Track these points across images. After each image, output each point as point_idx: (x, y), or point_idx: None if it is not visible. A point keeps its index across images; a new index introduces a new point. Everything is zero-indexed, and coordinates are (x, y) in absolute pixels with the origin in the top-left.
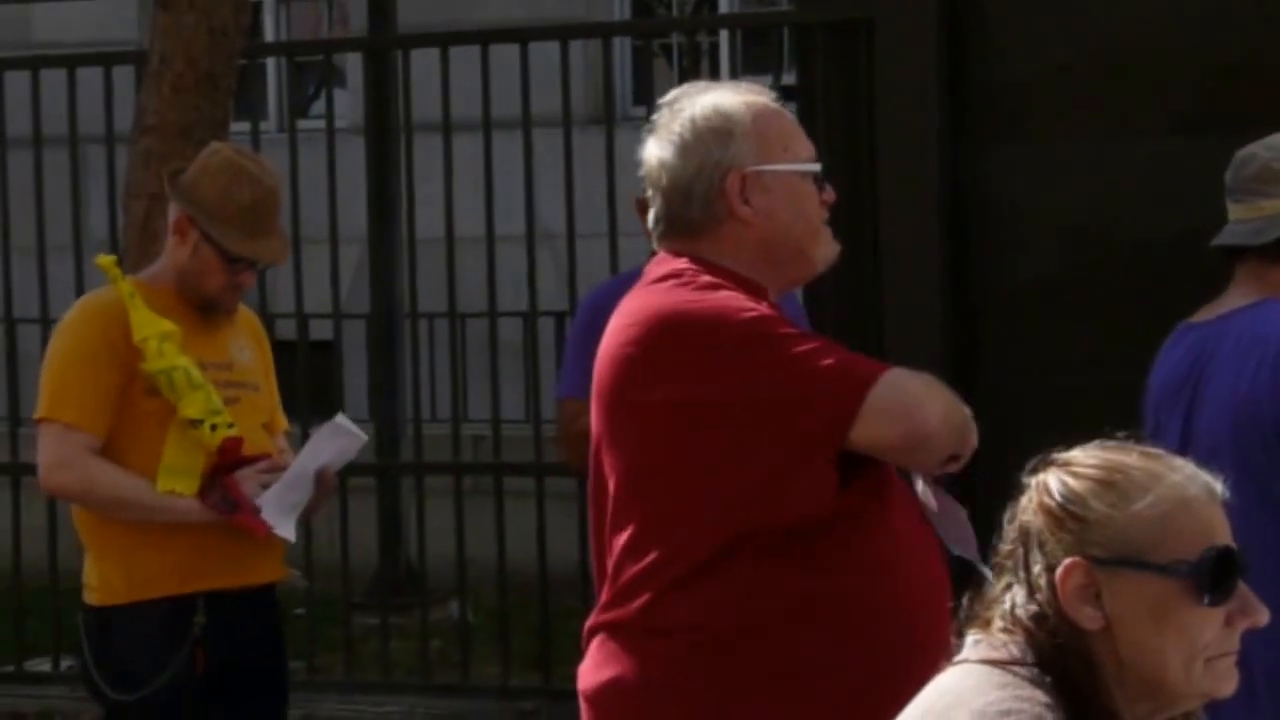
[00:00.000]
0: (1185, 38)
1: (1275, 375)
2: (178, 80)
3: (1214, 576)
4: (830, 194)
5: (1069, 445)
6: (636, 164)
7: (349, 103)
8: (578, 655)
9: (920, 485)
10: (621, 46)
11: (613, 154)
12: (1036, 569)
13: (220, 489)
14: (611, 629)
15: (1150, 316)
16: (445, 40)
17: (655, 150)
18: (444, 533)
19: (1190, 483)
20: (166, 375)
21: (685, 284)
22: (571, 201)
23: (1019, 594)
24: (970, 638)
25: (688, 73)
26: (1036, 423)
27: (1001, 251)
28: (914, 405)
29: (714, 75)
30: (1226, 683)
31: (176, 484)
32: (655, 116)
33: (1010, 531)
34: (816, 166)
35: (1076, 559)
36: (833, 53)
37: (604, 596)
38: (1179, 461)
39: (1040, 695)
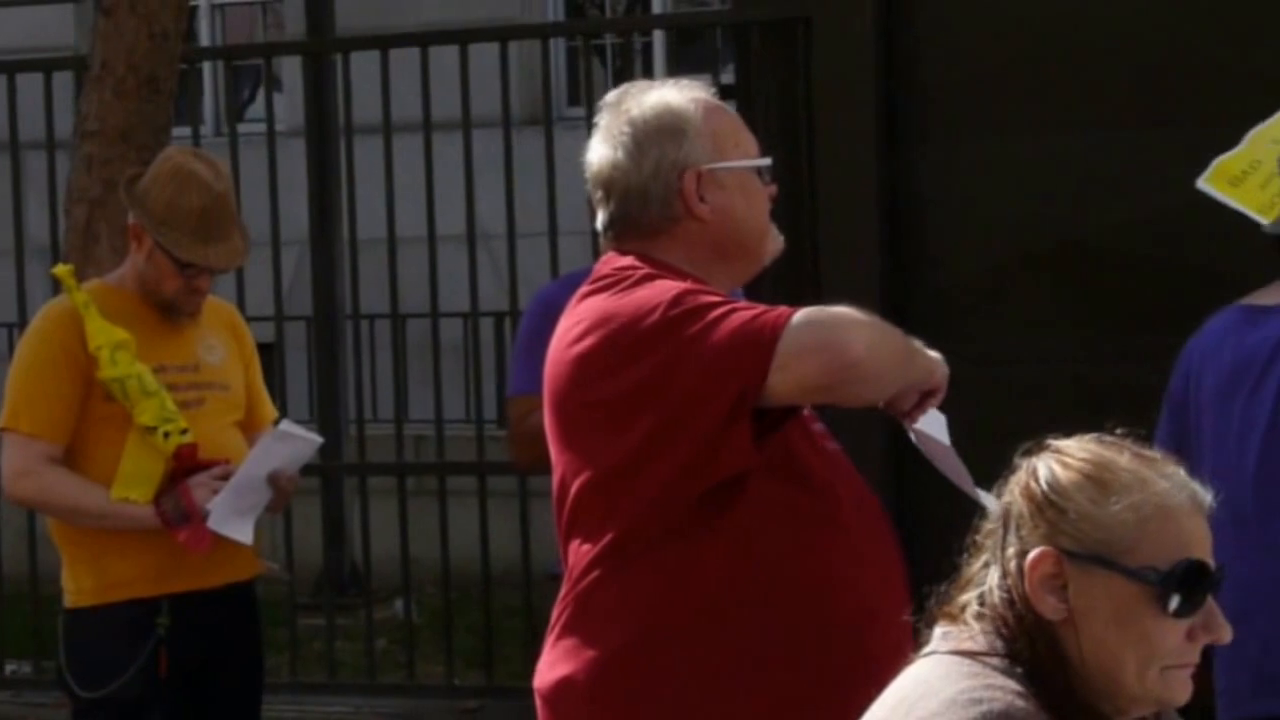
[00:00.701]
0: (1116, 35)
1: None
2: (119, 85)
3: (1183, 588)
4: (773, 188)
5: (1068, 432)
6: (577, 164)
7: (285, 105)
8: (520, 652)
9: (912, 435)
10: (555, 47)
11: (552, 154)
12: (1010, 551)
13: (175, 495)
14: (564, 626)
15: (1085, 312)
16: (385, 43)
17: (603, 152)
18: (386, 533)
19: (1178, 491)
20: (119, 384)
21: (627, 281)
22: (512, 202)
23: (994, 575)
24: (939, 630)
25: (621, 73)
26: (974, 417)
27: (938, 248)
28: (829, 335)
29: (648, 75)
30: (1181, 693)
31: (131, 491)
32: (598, 118)
33: (996, 510)
34: (766, 161)
35: (1047, 549)
36: (770, 52)
37: (560, 593)
38: (1170, 468)
39: (1011, 684)
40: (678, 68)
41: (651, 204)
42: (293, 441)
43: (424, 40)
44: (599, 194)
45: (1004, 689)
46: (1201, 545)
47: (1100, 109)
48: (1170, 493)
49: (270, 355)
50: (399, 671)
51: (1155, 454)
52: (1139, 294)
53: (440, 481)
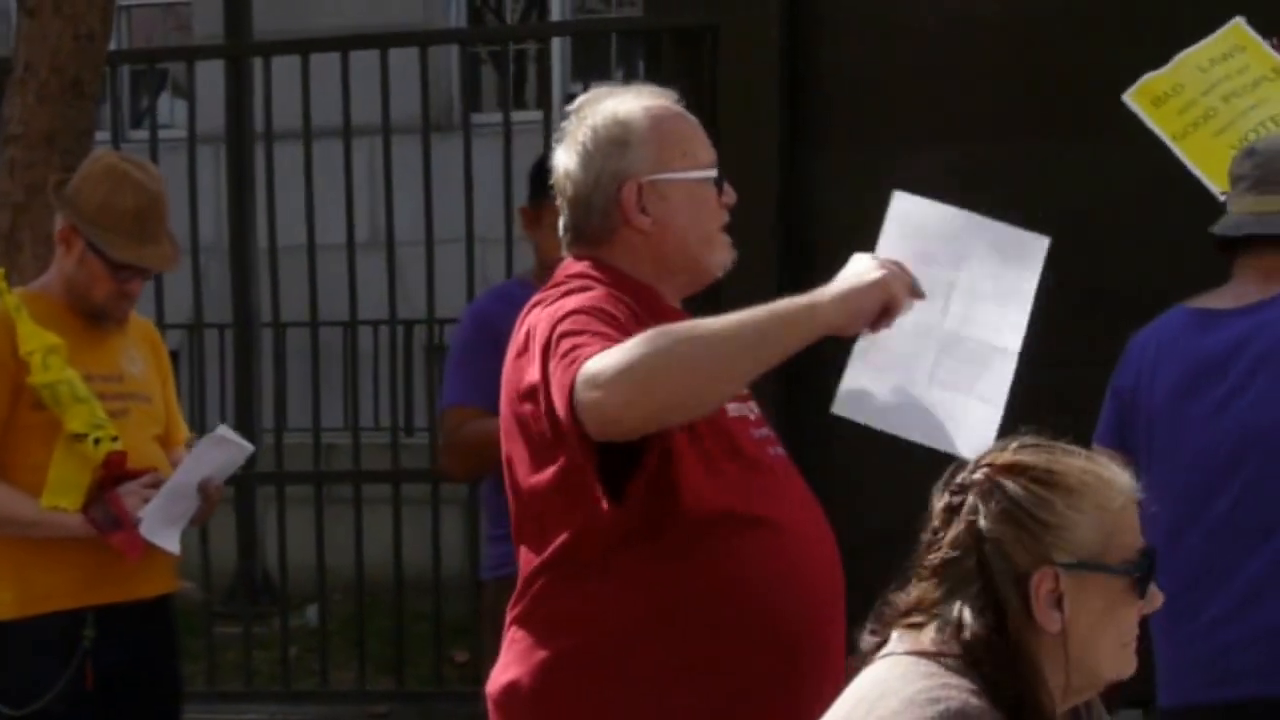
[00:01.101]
0: (1013, 49)
1: None
2: (43, 88)
3: (1147, 574)
4: (730, 195)
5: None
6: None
7: (186, 112)
8: (431, 657)
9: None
10: (448, 54)
11: (470, 161)
12: (1002, 578)
13: (104, 504)
14: (515, 630)
15: None
16: (305, 47)
17: (561, 158)
18: (297, 541)
19: (1128, 485)
20: (51, 389)
21: (566, 290)
22: (430, 209)
23: (969, 606)
24: (895, 633)
25: (520, 80)
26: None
27: (835, 255)
28: (602, 397)
29: (544, 81)
30: (1132, 665)
31: (61, 499)
32: (564, 124)
33: (953, 538)
34: (712, 172)
35: (1048, 568)
36: (677, 59)
37: (512, 597)
38: (1110, 462)
39: (966, 683)
40: (574, 74)
41: (594, 214)
42: (228, 448)
43: (344, 45)
44: (559, 200)
45: (959, 688)
46: (1140, 528)
47: (996, 121)
48: (1126, 487)
49: (187, 363)
50: (312, 678)
51: (1094, 451)
52: (1035, 302)
53: (356, 489)
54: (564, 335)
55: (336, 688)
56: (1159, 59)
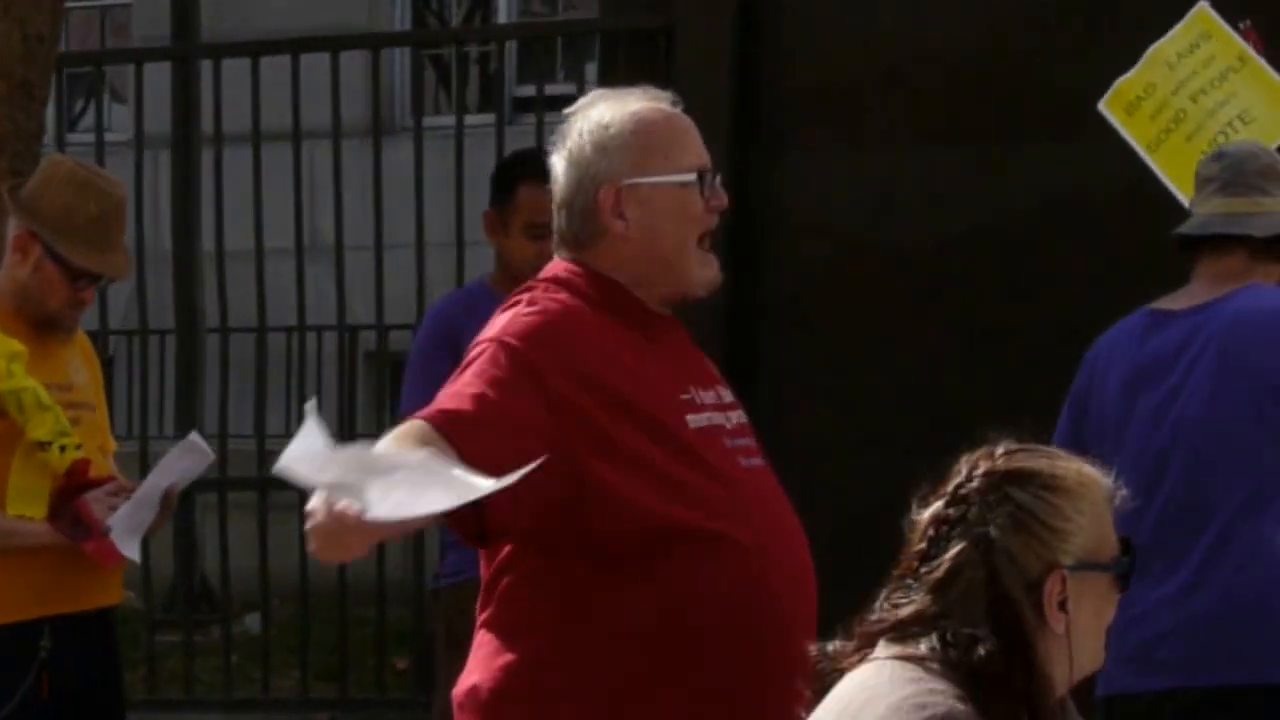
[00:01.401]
0: (958, 56)
1: None
2: None
3: (1130, 567)
4: (720, 199)
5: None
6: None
7: (124, 116)
8: (373, 665)
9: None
10: (401, 56)
11: (421, 164)
12: (1015, 587)
13: (71, 512)
14: (480, 635)
15: (923, 321)
16: (256, 49)
17: (554, 162)
18: (236, 548)
19: (1109, 482)
20: (15, 396)
21: (533, 298)
22: (380, 212)
23: (981, 619)
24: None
25: (464, 82)
26: (813, 421)
27: (783, 255)
28: None
29: (490, 83)
30: (1103, 658)
31: (26, 508)
32: (561, 126)
33: (958, 552)
34: (690, 177)
35: (1058, 571)
36: (632, 60)
37: (479, 602)
38: (1088, 462)
39: (952, 688)
40: (530, 75)
41: (574, 217)
42: (195, 455)
43: (296, 47)
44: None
45: (945, 693)
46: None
47: (947, 125)
48: (1106, 484)
49: (125, 368)
50: (253, 686)
51: (1069, 453)
52: (975, 304)
53: (301, 496)
54: (466, 365)
55: (278, 695)
56: (1108, 65)
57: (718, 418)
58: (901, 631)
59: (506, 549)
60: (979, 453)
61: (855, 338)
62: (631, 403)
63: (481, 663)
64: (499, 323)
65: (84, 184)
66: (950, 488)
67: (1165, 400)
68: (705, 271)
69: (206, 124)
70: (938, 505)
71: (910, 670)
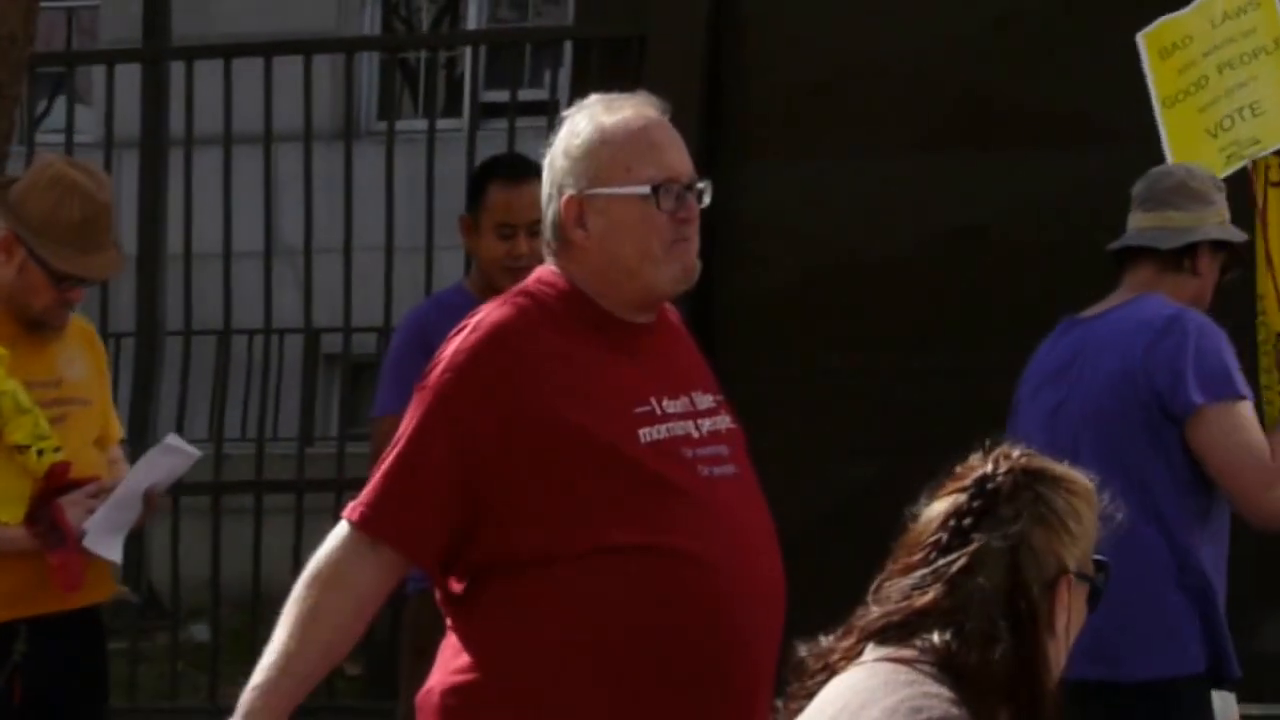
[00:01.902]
0: (919, 69)
1: (1152, 353)
2: None
3: (1104, 585)
4: (688, 210)
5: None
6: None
7: (91, 117)
8: None
9: None
10: (370, 61)
11: (391, 169)
12: (1035, 585)
13: (47, 516)
14: (448, 636)
15: (885, 328)
16: (228, 52)
17: (544, 166)
18: (186, 556)
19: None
20: None
21: (479, 322)
22: (350, 217)
23: (995, 615)
24: (871, 641)
25: (431, 88)
26: (781, 428)
27: (749, 263)
28: None
29: (457, 89)
30: None
31: (3, 513)
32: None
33: (981, 545)
34: (644, 189)
35: (1068, 575)
36: (604, 68)
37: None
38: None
39: (946, 691)
40: (497, 81)
41: (548, 224)
42: (176, 455)
43: (268, 50)
44: None
45: (940, 697)
46: None
47: (907, 136)
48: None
49: None
50: (199, 694)
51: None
52: (938, 311)
53: (257, 500)
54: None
55: (225, 703)
56: (1072, 74)
57: (681, 427)
58: (901, 629)
59: (462, 560)
60: (999, 450)
61: (818, 343)
62: (565, 422)
63: (441, 665)
64: (445, 348)
65: (70, 187)
66: (971, 481)
67: (1058, 403)
68: (671, 269)
69: (175, 126)
70: (959, 498)
71: (904, 673)
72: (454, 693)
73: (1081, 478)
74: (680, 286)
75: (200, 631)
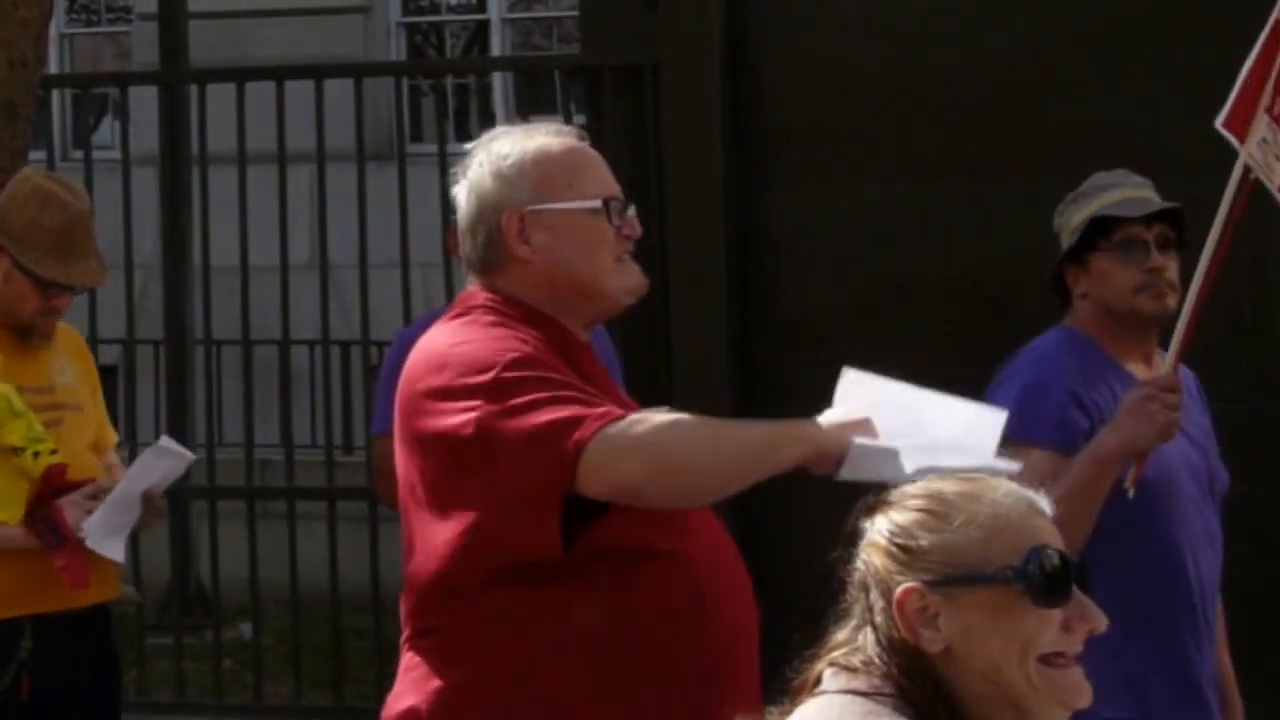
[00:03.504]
0: (950, 90)
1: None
2: None
3: (1040, 578)
4: (632, 227)
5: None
6: (425, 198)
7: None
8: (367, 674)
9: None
10: (389, 86)
11: (405, 188)
12: (878, 606)
13: (45, 517)
14: (410, 657)
15: (920, 356)
16: (241, 75)
17: (457, 192)
18: (232, 555)
19: (1007, 498)
20: None
21: (470, 322)
22: (364, 233)
23: (868, 634)
24: (828, 670)
25: (461, 113)
26: None
27: (782, 291)
28: (648, 444)
29: (489, 115)
30: (1075, 693)
31: (2, 513)
32: (465, 158)
33: (851, 577)
34: (595, 203)
35: (910, 585)
36: (619, 96)
37: (404, 625)
38: (999, 483)
39: None
40: (523, 108)
41: (478, 244)
42: (170, 457)
43: (280, 74)
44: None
45: None
46: (1049, 538)
47: (934, 159)
48: (1003, 502)
49: (117, 378)
50: (245, 692)
51: (980, 476)
52: (970, 339)
53: (289, 505)
54: (520, 382)
55: (271, 702)
56: (1105, 101)
57: None
58: (834, 652)
59: (436, 570)
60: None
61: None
62: None
63: (413, 685)
64: (471, 348)
65: (48, 198)
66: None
67: None
68: (625, 280)
69: (216, 145)
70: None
71: (861, 703)
72: (447, 707)
73: (940, 490)
74: (632, 298)
75: (248, 630)
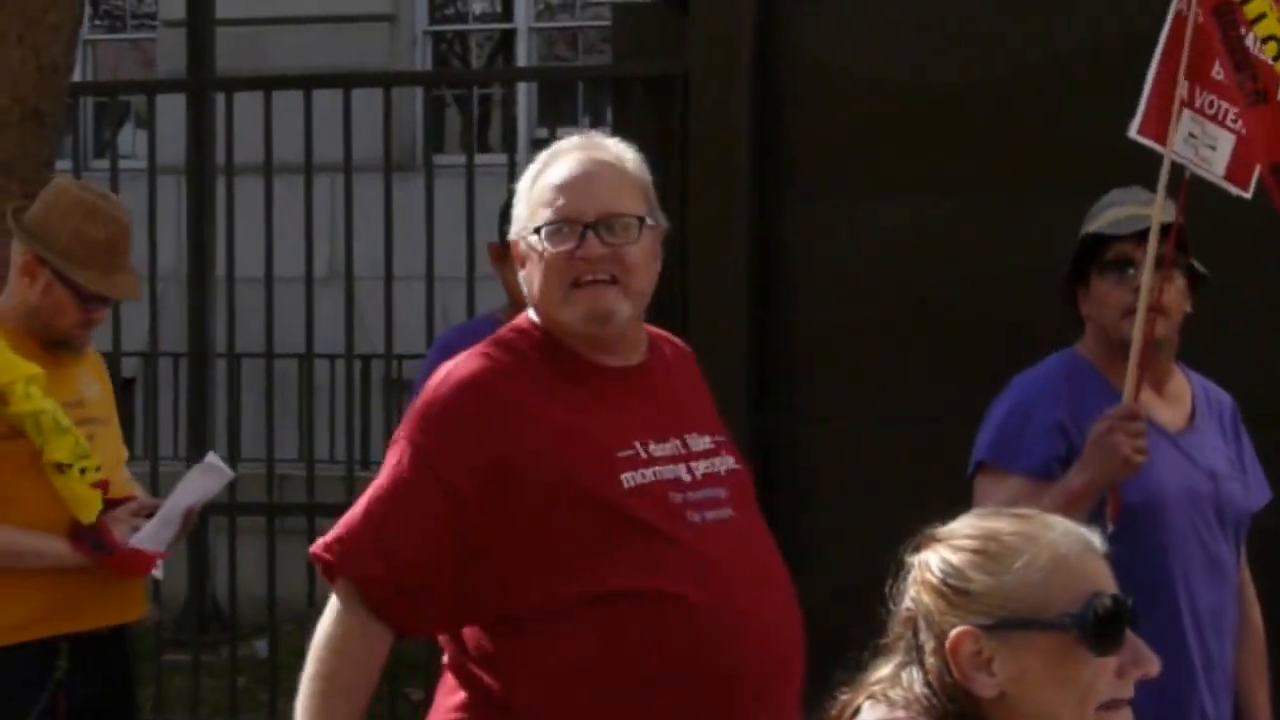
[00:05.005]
0: (971, 107)
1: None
2: (3, 116)
3: (1099, 625)
4: (589, 249)
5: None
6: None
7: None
8: (386, 693)
9: None
10: (414, 96)
11: (432, 200)
12: (929, 646)
13: (94, 533)
14: (443, 678)
15: (939, 369)
16: (268, 84)
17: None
18: (247, 572)
19: (1065, 538)
20: (34, 418)
21: (450, 371)
22: (390, 246)
23: (914, 673)
24: (866, 704)
25: (484, 123)
26: (829, 470)
27: (802, 304)
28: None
29: (511, 125)
30: None
31: (87, 515)
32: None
33: (898, 613)
34: (530, 236)
35: (965, 628)
36: (646, 107)
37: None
38: (1052, 519)
39: None
40: (546, 119)
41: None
42: (215, 474)
43: (307, 83)
44: None
45: None
46: (1105, 581)
47: (958, 174)
48: (1059, 541)
49: (136, 390)
50: (260, 710)
51: (1034, 511)
52: (989, 355)
53: (309, 522)
54: (400, 449)
55: (286, 718)
56: (1124, 115)
57: (671, 471)
58: (879, 686)
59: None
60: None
61: (868, 386)
62: (540, 469)
63: (436, 702)
64: (424, 391)
65: (92, 210)
66: (906, 554)
67: None
68: (576, 310)
69: (243, 154)
70: (897, 573)
71: None
72: None
73: (995, 529)
74: (593, 328)
75: (263, 648)
